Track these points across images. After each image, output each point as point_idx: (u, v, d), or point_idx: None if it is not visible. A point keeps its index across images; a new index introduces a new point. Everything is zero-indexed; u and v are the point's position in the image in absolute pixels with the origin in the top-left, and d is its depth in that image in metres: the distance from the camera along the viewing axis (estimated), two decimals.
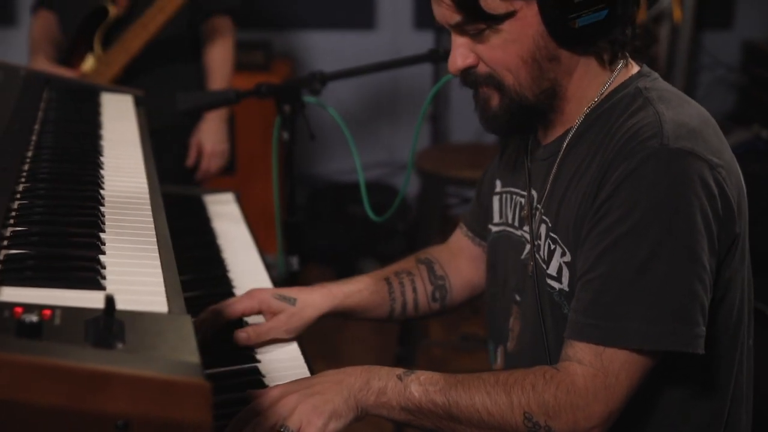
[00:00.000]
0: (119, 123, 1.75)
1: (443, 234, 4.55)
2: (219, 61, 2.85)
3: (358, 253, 4.23)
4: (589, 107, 1.36)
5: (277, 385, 1.30)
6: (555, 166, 1.39)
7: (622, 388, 1.24)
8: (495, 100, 1.36)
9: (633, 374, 1.24)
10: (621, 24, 1.32)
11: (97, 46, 2.70)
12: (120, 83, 2.67)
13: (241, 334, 1.51)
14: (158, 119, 2.37)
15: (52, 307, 0.93)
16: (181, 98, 2.10)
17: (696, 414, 1.37)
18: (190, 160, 2.87)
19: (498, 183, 1.59)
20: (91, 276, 1.04)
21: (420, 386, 1.27)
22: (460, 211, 4.41)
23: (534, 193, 1.45)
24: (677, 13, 3.65)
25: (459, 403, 1.25)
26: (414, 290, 1.67)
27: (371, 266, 4.12)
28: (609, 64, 1.35)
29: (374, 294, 1.62)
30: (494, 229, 1.58)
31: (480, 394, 1.25)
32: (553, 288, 1.37)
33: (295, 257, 2.18)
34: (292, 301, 1.56)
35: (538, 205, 1.43)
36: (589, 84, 1.36)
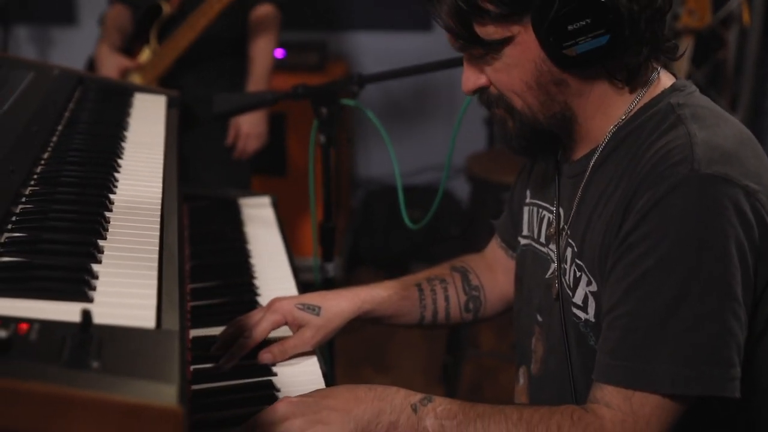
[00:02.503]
0: (146, 125, 1.71)
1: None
2: (263, 50, 2.95)
3: (411, 258, 4.17)
4: (616, 125, 1.27)
5: (285, 399, 1.23)
6: (581, 188, 1.31)
7: None
8: (510, 123, 1.30)
9: (664, 419, 1.15)
10: (631, 46, 1.22)
11: (153, 39, 2.91)
12: (170, 76, 2.88)
13: (266, 356, 1.44)
14: (204, 110, 2.46)
15: (31, 321, 0.89)
16: (217, 101, 2.07)
17: None
18: (228, 140, 2.97)
19: (528, 193, 1.51)
20: (77, 287, 0.99)
21: (436, 420, 1.19)
22: None
23: (561, 211, 1.37)
24: (746, 16, 3.50)
25: None
26: (446, 298, 1.60)
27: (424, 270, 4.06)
28: (627, 85, 1.26)
29: (404, 300, 1.56)
30: (522, 241, 1.51)
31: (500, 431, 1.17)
32: (578, 318, 1.29)
33: (331, 263, 2.13)
34: (316, 311, 1.49)
35: (565, 225, 1.35)
36: (610, 103, 1.27)
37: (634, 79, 1.26)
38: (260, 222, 2.04)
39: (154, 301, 1.00)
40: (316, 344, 1.49)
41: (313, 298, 1.52)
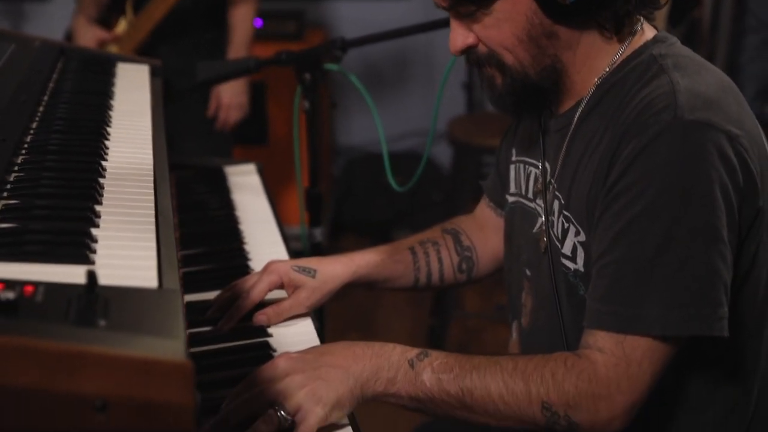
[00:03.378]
0: (132, 93, 1.71)
1: (477, 202, 4.50)
2: (243, 18, 2.94)
3: (394, 224, 4.19)
4: (600, 78, 1.29)
5: (285, 355, 1.24)
6: (567, 139, 1.33)
7: (645, 376, 1.18)
8: (499, 81, 1.30)
9: (656, 362, 1.18)
10: None
11: (129, 10, 2.88)
12: (147, 48, 2.86)
13: (260, 317, 1.45)
14: (181, 82, 2.47)
15: (35, 283, 0.90)
16: (201, 68, 2.07)
17: (722, 397, 1.30)
18: (210, 111, 2.96)
19: (514, 152, 1.53)
20: (79, 250, 1.00)
21: (432, 374, 1.21)
22: None
23: (548, 165, 1.39)
24: None
25: (473, 392, 1.20)
26: (439, 260, 1.61)
27: (407, 237, 4.08)
28: (615, 34, 1.27)
29: (398, 263, 1.58)
30: (510, 199, 1.53)
31: (496, 383, 1.19)
32: (568, 268, 1.31)
33: (319, 228, 2.14)
34: (312, 273, 1.51)
35: (552, 179, 1.36)
36: (597, 55, 1.29)
37: (621, 29, 1.28)
38: (247, 189, 2.05)
39: (154, 262, 1.01)
40: (311, 306, 1.50)
41: (309, 261, 1.53)
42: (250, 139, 3.71)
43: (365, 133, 4.40)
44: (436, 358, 1.22)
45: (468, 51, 1.32)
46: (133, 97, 1.69)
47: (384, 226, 4.19)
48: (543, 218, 1.38)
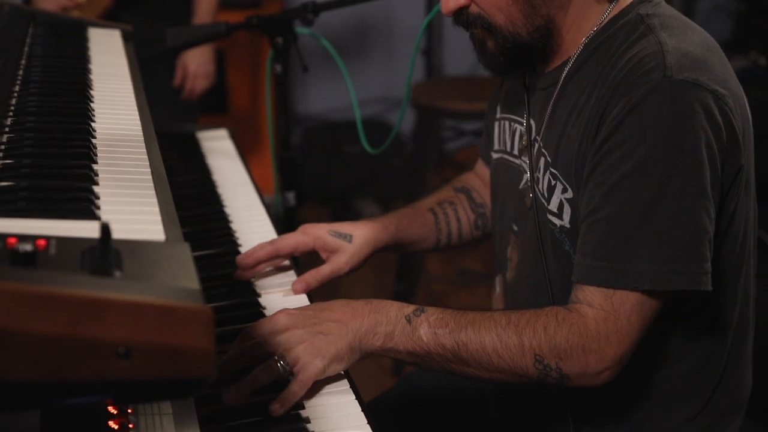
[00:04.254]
0: (107, 57, 1.70)
1: (439, 168, 4.52)
2: None
3: (354, 191, 4.22)
4: (588, 36, 1.31)
5: (285, 311, 1.26)
6: (553, 97, 1.35)
7: (633, 329, 1.22)
8: (490, 42, 1.32)
9: (644, 315, 1.22)
10: None
11: None
12: (110, 14, 2.81)
13: (298, 285, 1.46)
14: (146, 49, 2.44)
15: (47, 237, 0.90)
16: (170, 34, 2.06)
17: (698, 348, 1.35)
18: (176, 81, 2.94)
19: (498, 109, 1.55)
20: (85, 206, 1.01)
21: (429, 329, 1.24)
22: (456, 144, 4.38)
23: (533, 122, 1.41)
24: None
25: (468, 345, 1.23)
26: (458, 219, 1.65)
27: (368, 204, 4.10)
28: None
29: (423, 226, 1.61)
30: (495, 156, 1.56)
31: (490, 336, 1.22)
32: (554, 224, 1.34)
33: (292, 193, 2.16)
34: (348, 238, 1.51)
35: (537, 136, 1.39)
36: (586, 15, 1.31)
37: None
38: (221, 154, 2.06)
39: (158, 217, 1.03)
40: (349, 270, 1.51)
41: (342, 226, 1.53)
42: (211, 107, 3.69)
43: (322, 101, 4.40)
44: (432, 313, 1.25)
45: (459, 12, 1.33)
46: (109, 60, 1.69)
47: (344, 194, 4.21)
48: (528, 174, 1.41)
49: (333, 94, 4.24)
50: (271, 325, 1.23)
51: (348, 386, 1.23)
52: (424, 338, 1.24)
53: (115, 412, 1.09)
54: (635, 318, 1.21)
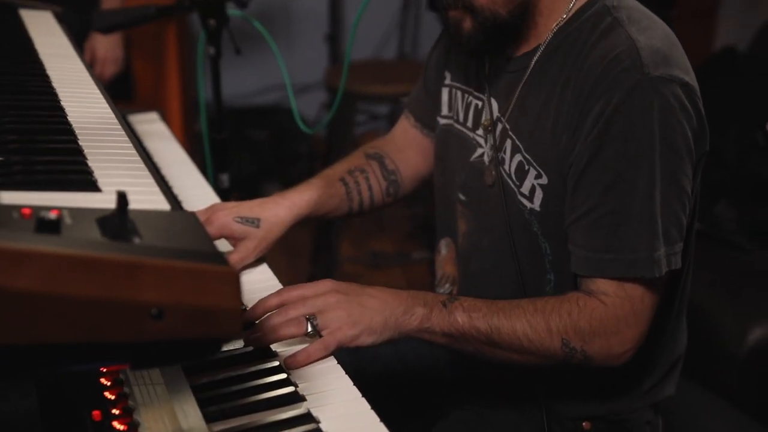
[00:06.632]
0: (49, 37, 1.69)
1: (354, 150, 4.51)
2: None
3: (261, 177, 4.21)
4: (558, 24, 1.36)
5: (330, 280, 1.29)
6: (522, 83, 1.40)
7: (647, 309, 1.31)
8: (467, 23, 1.35)
9: (654, 294, 1.31)
10: None
11: None
12: None
13: None
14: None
15: (59, 208, 0.92)
16: (98, 17, 2.04)
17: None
18: None
19: (447, 75, 1.59)
20: (86, 178, 1.02)
21: (464, 312, 1.29)
22: (368, 128, 4.44)
23: (494, 102, 1.46)
24: None
25: (501, 329, 1.29)
26: (369, 188, 1.67)
27: (275, 190, 4.11)
28: None
29: (333, 197, 1.62)
30: (442, 121, 1.59)
31: (520, 321, 1.29)
32: (524, 206, 1.40)
33: (226, 175, 2.18)
34: (255, 223, 1.50)
35: (501, 117, 1.44)
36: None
37: None
38: (156, 136, 2.06)
39: (158, 188, 1.05)
40: (258, 255, 1.51)
41: (251, 209, 1.52)
42: (116, 94, 3.63)
43: (226, 88, 4.37)
44: (465, 300, 1.31)
45: None
46: (51, 41, 1.67)
47: (251, 180, 4.20)
48: (484, 150, 1.46)
49: (231, 79, 4.22)
50: (314, 287, 1.26)
51: (335, 362, 1.24)
52: (460, 320, 1.29)
53: (109, 383, 1.10)
54: (648, 298, 1.30)
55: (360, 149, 1.73)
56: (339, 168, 1.69)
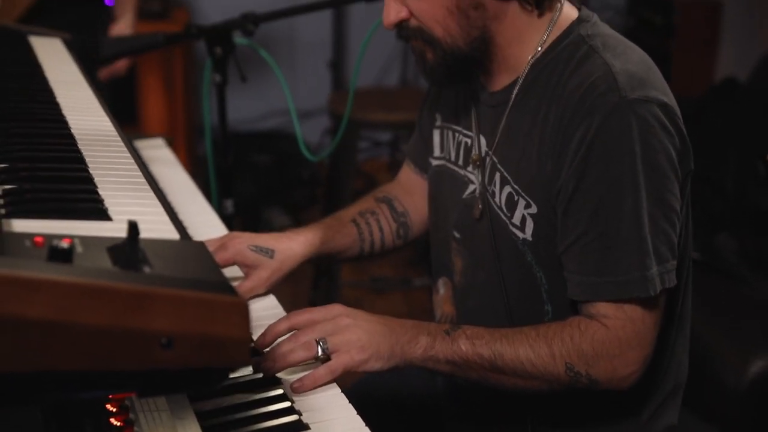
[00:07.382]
0: (59, 65, 1.71)
1: (356, 177, 4.52)
2: None
3: (263, 202, 4.24)
4: (534, 57, 1.38)
5: (339, 304, 1.31)
6: (505, 116, 1.42)
7: (649, 330, 1.31)
8: (429, 54, 1.38)
9: (654, 313, 1.32)
10: None
11: None
12: (26, 21, 2.68)
13: None
14: None
15: (71, 236, 0.93)
16: (106, 44, 2.07)
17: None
18: None
19: (438, 117, 1.61)
20: (97, 207, 1.04)
21: (467, 340, 1.30)
22: (371, 155, 4.46)
23: (482, 138, 1.48)
24: None
25: (504, 356, 1.30)
26: (380, 229, 1.69)
27: (278, 215, 4.13)
28: (536, 8, 1.37)
29: (346, 237, 1.64)
30: (435, 162, 1.61)
31: (523, 347, 1.30)
32: (516, 236, 1.41)
33: (230, 200, 2.19)
34: (269, 253, 1.51)
35: (489, 151, 1.46)
36: (526, 30, 1.38)
37: (541, 3, 1.38)
38: (162, 162, 2.07)
39: (167, 217, 1.06)
40: (270, 286, 1.51)
41: (265, 240, 1.53)
42: (120, 118, 3.66)
43: (229, 112, 4.40)
44: (468, 329, 1.32)
45: (400, 25, 1.39)
46: (61, 69, 1.69)
47: (253, 205, 4.22)
48: (475, 186, 1.48)
49: (235, 105, 4.25)
50: (324, 311, 1.28)
51: (339, 390, 1.25)
52: (463, 348, 1.30)
53: (115, 409, 1.11)
54: (648, 318, 1.31)
55: (369, 194, 1.76)
56: (350, 210, 1.71)
